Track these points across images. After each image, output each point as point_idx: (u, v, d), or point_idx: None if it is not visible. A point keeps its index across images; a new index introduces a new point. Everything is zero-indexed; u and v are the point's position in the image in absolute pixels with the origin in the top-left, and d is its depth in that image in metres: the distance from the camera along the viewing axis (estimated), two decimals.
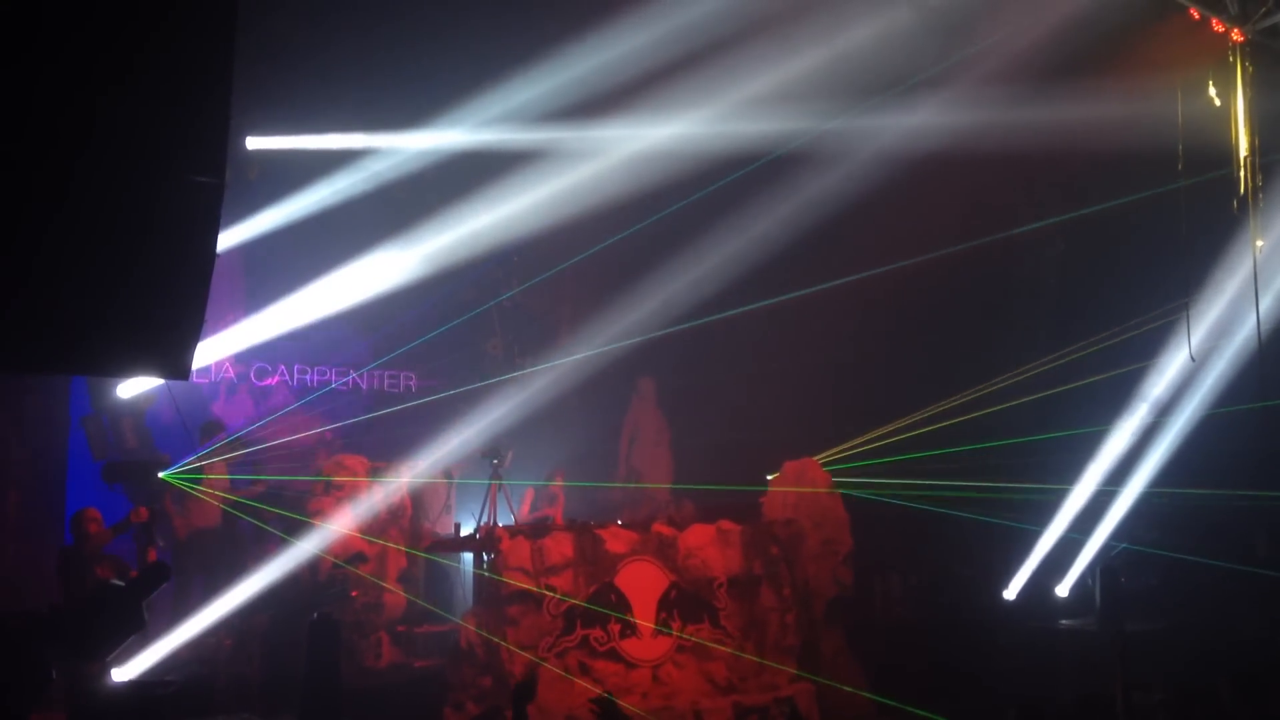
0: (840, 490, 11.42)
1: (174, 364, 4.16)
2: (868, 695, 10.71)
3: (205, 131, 3.88)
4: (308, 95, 11.50)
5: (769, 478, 11.67)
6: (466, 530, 11.12)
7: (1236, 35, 11.46)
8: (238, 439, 11.74)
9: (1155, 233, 12.52)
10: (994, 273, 13.74)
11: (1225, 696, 6.81)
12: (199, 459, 10.54)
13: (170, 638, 8.92)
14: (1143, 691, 7.92)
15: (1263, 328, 11.41)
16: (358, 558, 9.97)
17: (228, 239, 11.51)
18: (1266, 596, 11.46)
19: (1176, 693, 7.43)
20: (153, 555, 9.67)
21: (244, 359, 13.08)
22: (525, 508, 12.31)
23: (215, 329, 11.83)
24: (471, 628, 9.36)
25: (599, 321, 13.30)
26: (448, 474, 11.87)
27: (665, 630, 9.92)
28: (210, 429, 11.16)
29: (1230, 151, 11.55)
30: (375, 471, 10.44)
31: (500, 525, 10.44)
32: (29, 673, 6.39)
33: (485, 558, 9.74)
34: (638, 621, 9.81)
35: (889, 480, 11.67)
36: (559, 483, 12.59)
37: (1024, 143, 11.44)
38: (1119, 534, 11.88)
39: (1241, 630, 11.25)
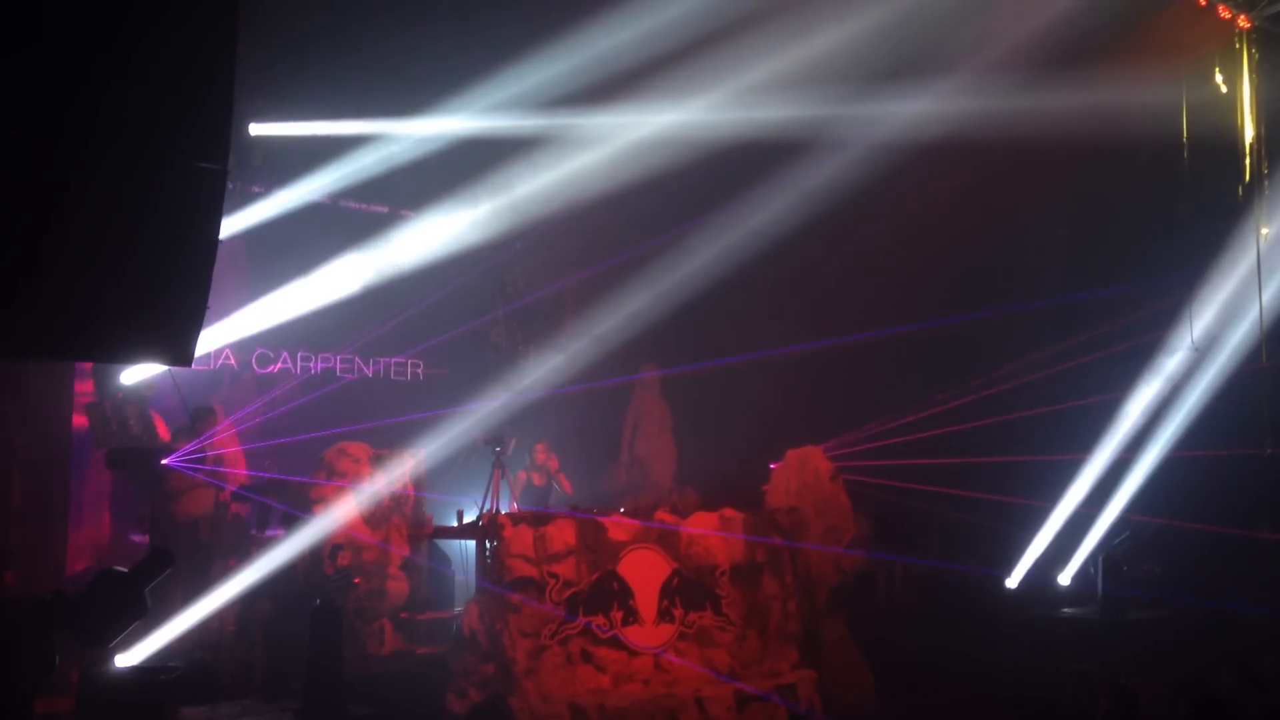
0: (843, 478, 11.42)
1: (177, 350, 4.14)
2: (869, 683, 10.74)
3: (208, 117, 3.86)
4: (311, 81, 11.47)
5: (772, 465, 11.66)
6: (469, 517, 11.12)
7: (1243, 21, 11.45)
8: (237, 426, 11.74)
9: (1160, 219, 12.49)
10: (997, 260, 13.70)
11: (1227, 687, 6.81)
12: (189, 443, 10.53)
13: (173, 624, 8.93)
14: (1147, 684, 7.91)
15: (1265, 315, 11.39)
16: (360, 546, 9.95)
17: (231, 225, 11.51)
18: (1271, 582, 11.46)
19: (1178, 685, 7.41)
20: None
21: (246, 346, 13.05)
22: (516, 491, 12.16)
23: (218, 315, 11.81)
24: (474, 615, 9.36)
25: (603, 309, 13.29)
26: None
27: (667, 618, 9.93)
28: (201, 414, 11.09)
29: (1236, 138, 11.54)
30: (378, 459, 10.42)
31: (502, 512, 10.44)
32: (33, 658, 6.41)
33: (488, 545, 9.74)
34: (640, 609, 9.82)
35: (891, 464, 11.66)
36: (543, 456, 12.40)
37: (1029, 129, 11.40)
38: (1121, 524, 11.86)
39: (1245, 619, 11.23)
